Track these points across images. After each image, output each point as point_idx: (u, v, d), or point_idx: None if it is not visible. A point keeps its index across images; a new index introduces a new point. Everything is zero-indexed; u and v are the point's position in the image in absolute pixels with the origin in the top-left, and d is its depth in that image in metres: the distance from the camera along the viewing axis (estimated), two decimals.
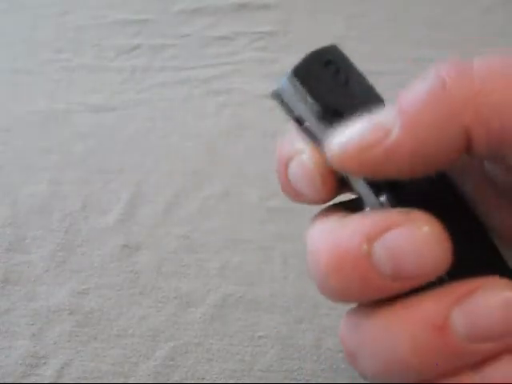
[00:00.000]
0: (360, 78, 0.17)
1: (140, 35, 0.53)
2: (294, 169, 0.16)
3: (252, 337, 0.34)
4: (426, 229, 0.14)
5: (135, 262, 0.37)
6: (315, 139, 0.16)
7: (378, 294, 0.15)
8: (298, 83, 0.17)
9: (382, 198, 0.15)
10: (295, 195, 0.17)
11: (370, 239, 0.14)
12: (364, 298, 0.15)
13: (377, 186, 0.16)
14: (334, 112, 0.16)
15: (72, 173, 0.42)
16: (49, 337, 0.34)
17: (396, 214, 0.14)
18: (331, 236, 0.15)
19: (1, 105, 0.48)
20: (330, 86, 0.17)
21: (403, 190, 0.15)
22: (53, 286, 0.36)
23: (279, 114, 0.52)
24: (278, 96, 0.17)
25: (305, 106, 0.16)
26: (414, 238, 0.14)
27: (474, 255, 0.15)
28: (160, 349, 0.34)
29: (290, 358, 0.33)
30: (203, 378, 0.33)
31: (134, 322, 0.35)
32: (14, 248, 0.38)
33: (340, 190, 0.17)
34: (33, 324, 0.35)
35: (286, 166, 0.16)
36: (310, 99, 0.16)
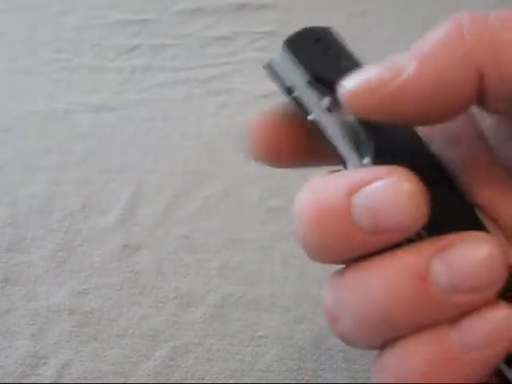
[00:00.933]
0: (351, 57, 0.18)
1: (140, 35, 0.53)
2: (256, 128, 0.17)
3: (252, 337, 0.34)
4: (405, 184, 0.14)
5: (135, 262, 0.37)
6: (303, 108, 0.17)
7: (359, 250, 0.15)
8: (289, 53, 0.17)
9: (366, 160, 0.16)
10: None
11: (351, 192, 0.14)
12: (345, 255, 0.15)
13: (360, 149, 0.16)
14: (323, 81, 0.17)
15: (72, 173, 0.42)
16: (49, 337, 0.34)
17: (377, 169, 0.14)
18: (314, 192, 0.15)
19: (0, 105, 0.48)
20: (320, 59, 0.17)
21: (386, 152, 0.16)
22: (53, 286, 0.36)
23: None
24: (270, 67, 0.18)
25: (295, 75, 0.17)
26: (392, 191, 0.14)
27: (453, 215, 0.16)
28: (160, 349, 0.34)
29: (290, 358, 0.33)
30: (203, 378, 0.33)
31: (134, 322, 0.35)
32: (14, 248, 0.38)
33: (304, 158, 0.17)
34: (33, 324, 0.35)
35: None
36: (299, 67, 0.17)
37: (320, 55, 0.17)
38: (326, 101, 0.16)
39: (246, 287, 0.36)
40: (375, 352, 0.17)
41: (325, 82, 0.17)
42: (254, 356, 0.33)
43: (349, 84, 0.15)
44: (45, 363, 0.33)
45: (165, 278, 0.36)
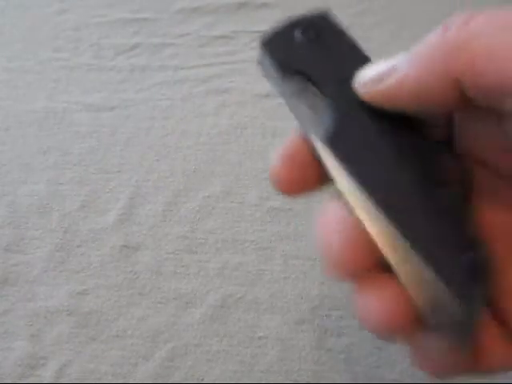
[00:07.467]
0: (345, 40, 0.19)
1: (139, 34, 0.53)
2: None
3: (252, 338, 0.34)
4: None
5: (134, 263, 0.37)
6: (282, 95, 0.18)
7: None
8: (265, 51, 0.18)
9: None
10: None
11: None
12: None
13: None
14: (300, 73, 0.18)
15: (71, 172, 0.42)
16: (48, 338, 0.34)
17: None
18: None
19: None
20: (299, 49, 0.18)
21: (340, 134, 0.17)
22: (52, 286, 0.36)
23: (279, 113, 0.51)
24: (258, 66, 0.19)
25: (272, 72, 0.18)
26: None
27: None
28: (159, 350, 0.33)
29: (290, 359, 0.33)
30: (203, 379, 0.32)
31: (134, 322, 0.35)
32: (13, 248, 0.38)
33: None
34: (31, 325, 0.35)
35: None
36: (270, 60, 0.18)
37: (300, 46, 0.18)
38: (293, 87, 0.17)
39: (245, 288, 0.36)
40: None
41: (295, 72, 0.18)
42: (253, 357, 0.33)
43: (360, 77, 0.17)
44: (43, 364, 0.33)
45: (164, 279, 0.36)
